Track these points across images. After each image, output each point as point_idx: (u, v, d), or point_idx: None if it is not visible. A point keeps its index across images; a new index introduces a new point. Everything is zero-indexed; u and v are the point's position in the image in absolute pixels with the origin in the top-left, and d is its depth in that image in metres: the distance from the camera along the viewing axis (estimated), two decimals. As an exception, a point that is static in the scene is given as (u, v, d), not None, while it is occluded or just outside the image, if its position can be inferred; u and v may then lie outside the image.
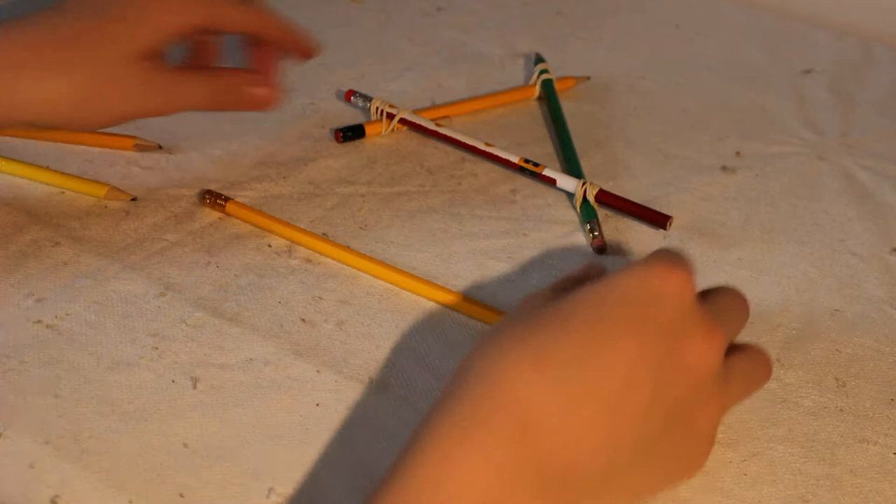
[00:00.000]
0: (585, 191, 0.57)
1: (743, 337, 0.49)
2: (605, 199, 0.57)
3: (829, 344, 0.50)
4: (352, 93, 0.63)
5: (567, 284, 0.41)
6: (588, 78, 0.69)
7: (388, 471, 0.35)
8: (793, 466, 0.43)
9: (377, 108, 0.62)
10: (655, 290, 0.37)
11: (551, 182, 0.58)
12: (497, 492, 0.34)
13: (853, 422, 0.45)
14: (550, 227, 0.56)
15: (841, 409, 0.46)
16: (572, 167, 0.60)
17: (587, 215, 0.56)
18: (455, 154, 0.61)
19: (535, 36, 0.74)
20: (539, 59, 0.68)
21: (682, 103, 0.68)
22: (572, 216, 0.57)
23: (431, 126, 0.61)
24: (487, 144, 0.60)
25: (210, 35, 0.57)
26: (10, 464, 0.42)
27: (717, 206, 0.58)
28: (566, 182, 0.58)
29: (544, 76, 0.67)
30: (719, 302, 0.41)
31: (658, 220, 0.55)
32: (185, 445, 0.43)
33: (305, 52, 0.58)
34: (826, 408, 0.46)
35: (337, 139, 0.61)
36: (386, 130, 0.62)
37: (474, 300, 0.50)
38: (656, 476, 0.39)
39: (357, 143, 0.62)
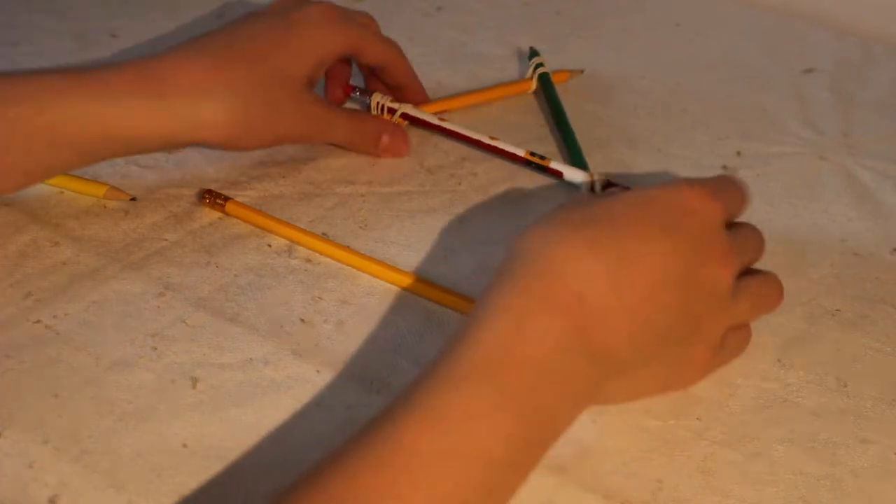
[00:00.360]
0: (594, 182, 0.56)
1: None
2: (614, 189, 0.56)
3: (830, 344, 0.49)
4: (351, 88, 0.63)
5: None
6: (582, 71, 0.69)
7: (455, 334, 0.39)
8: (793, 466, 0.43)
9: (378, 104, 0.62)
10: (690, 208, 0.42)
11: (558, 175, 0.58)
12: (560, 354, 0.38)
13: (854, 422, 0.45)
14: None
15: (842, 410, 0.46)
16: (576, 159, 0.60)
17: None
18: (455, 154, 0.61)
19: (535, 36, 0.74)
20: (533, 53, 0.68)
21: (682, 103, 0.68)
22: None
23: (434, 120, 0.61)
24: (492, 138, 0.60)
25: (346, 63, 0.63)
26: (9, 464, 0.42)
27: (718, 206, 0.58)
28: (573, 174, 0.58)
29: (541, 69, 0.67)
30: (741, 233, 0.45)
31: None
32: (185, 445, 0.42)
33: (418, 97, 0.63)
34: (827, 408, 0.46)
35: None
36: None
37: (474, 300, 0.50)
38: (659, 376, 0.43)
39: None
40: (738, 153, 0.63)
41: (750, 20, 0.79)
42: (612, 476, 0.42)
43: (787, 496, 0.42)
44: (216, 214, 0.55)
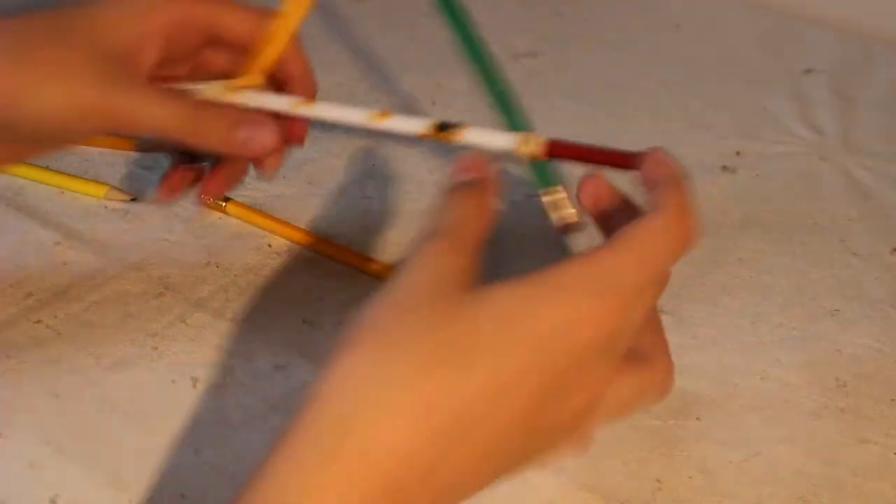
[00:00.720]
0: (530, 149, 0.40)
1: (743, 337, 0.49)
2: (558, 152, 0.40)
3: (829, 344, 0.50)
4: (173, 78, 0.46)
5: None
6: None
7: (248, 481, 0.31)
8: (793, 466, 0.43)
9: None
10: (586, 335, 0.32)
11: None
12: None
13: (854, 422, 0.45)
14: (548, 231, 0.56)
15: (841, 409, 0.46)
16: (507, 115, 0.45)
17: (544, 181, 0.42)
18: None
19: (535, 36, 0.74)
20: None
21: (682, 103, 0.68)
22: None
23: (287, 109, 0.45)
24: (383, 114, 0.43)
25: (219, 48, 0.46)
26: (10, 464, 0.42)
27: (717, 206, 0.58)
28: (498, 139, 0.41)
29: None
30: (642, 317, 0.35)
31: (626, 162, 0.38)
32: (185, 445, 0.42)
33: (307, 90, 0.47)
34: (827, 408, 0.46)
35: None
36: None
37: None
38: (520, 466, 0.34)
39: (357, 142, 0.61)
40: (738, 153, 0.63)
41: (750, 20, 0.79)
42: (612, 476, 0.42)
43: (786, 496, 0.42)
44: (216, 214, 0.55)
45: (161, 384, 0.45)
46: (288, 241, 0.54)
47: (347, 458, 0.30)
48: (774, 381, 0.47)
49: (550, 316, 0.32)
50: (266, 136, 0.43)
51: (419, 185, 0.59)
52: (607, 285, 0.32)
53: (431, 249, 0.34)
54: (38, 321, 0.48)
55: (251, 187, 0.57)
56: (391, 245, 0.54)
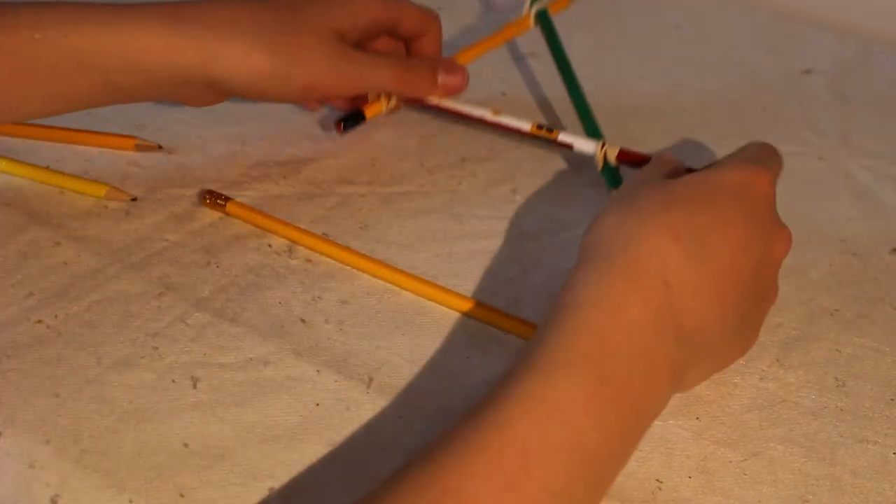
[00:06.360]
0: (606, 153, 0.55)
1: (743, 337, 0.49)
2: (627, 158, 0.55)
3: (829, 344, 0.50)
4: None
5: (665, 169, 0.48)
6: None
7: (547, 324, 0.39)
8: (793, 466, 0.43)
9: None
10: (760, 192, 0.44)
11: (568, 147, 0.57)
12: (651, 341, 0.39)
13: (853, 422, 0.45)
14: (549, 225, 0.56)
15: (841, 409, 0.46)
16: (588, 126, 0.57)
17: (613, 181, 0.53)
18: (455, 154, 0.61)
19: (536, 36, 0.74)
20: None
21: (682, 103, 0.68)
22: (573, 216, 0.57)
23: (434, 100, 0.60)
24: (495, 112, 0.58)
25: (391, 35, 0.60)
26: (10, 463, 0.42)
27: (717, 206, 0.58)
28: (584, 145, 0.56)
29: (538, 6, 0.64)
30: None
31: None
32: (186, 445, 0.43)
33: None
34: (826, 408, 0.46)
35: (338, 130, 0.59)
36: (386, 110, 0.60)
37: (474, 300, 0.50)
38: (735, 349, 0.45)
39: (358, 142, 0.62)
40: (738, 153, 0.63)
41: (750, 20, 0.79)
42: (611, 476, 0.42)
43: (786, 496, 0.42)
44: (217, 215, 0.55)
45: (161, 384, 0.45)
46: (288, 241, 0.54)
47: (622, 270, 0.40)
48: (773, 381, 0.47)
49: (732, 179, 0.44)
50: (458, 79, 0.59)
51: (419, 186, 0.59)
52: (756, 161, 0.46)
53: (648, 170, 0.49)
54: (39, 321, 0.48)
55: (252, 187, 0.57)
56: (391, 245, 0.54)
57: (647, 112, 0.67)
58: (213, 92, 0.54)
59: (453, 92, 0.59)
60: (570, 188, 0.59)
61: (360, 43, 0.57)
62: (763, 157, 0.47)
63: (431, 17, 0.60)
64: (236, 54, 0.52)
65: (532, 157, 0.61)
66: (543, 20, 0.64)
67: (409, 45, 0.61)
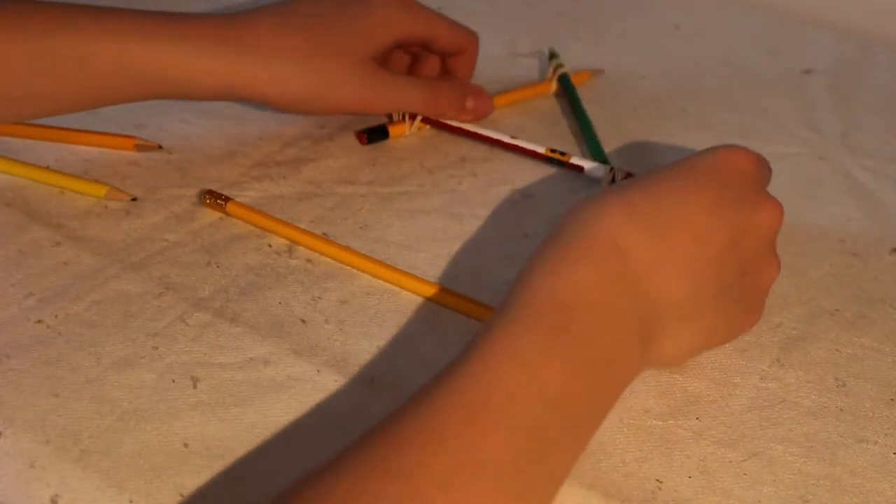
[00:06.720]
0: (614, 176, 0.58)
1: (743, 337, 0.49)
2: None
3: (829, 344, 0.50)
4: None
5: None
6: (602, 70, 0.70)
7: (510, 287, 0.41)
8: (793, 466, 0.43)
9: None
10: (733, 164, 0.45)
11: (579, 170, 0.60)
12: (604, 296, 0.40)
13: (853, 422, 0.45)
14: (549, 226, 0.56)
15: (841, 409, 0.46)
16: (597, 156, 0.61)
17: None
18: (455, 154, 0.61)
19: (536, 36, 0.74)
20: (553, 55, 0.69)
21: (682, 103, 0.68)
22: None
23: (456, 123, 0.62)
24: (513, 137, 0.61)
25: (426, 51, 0.63)
26: (10, 463, 0.42)
27: (717, 206, 0.58)
28: (594, 169, 0.59)
29: (560, 70, 0.68)
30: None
31: None
32: (186, 445, 0.43)
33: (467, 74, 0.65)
34: (826, 408, 0.46)
35: (361, 141, 0.61)
36: (409, 131, 0.62)
37: (474, 300, 0.50)
38: (720, 325, 0.45)
39: (358, 143, 0.62)
40: (738, 153, 0.63)
41: (750, 20, 0.79)
42: (611, 476, 0.42)
43: (786, 496, 0.42)
44: (217, 214, 0.55)
45: (161, 384, 0.45)
46: (288, 241, 0.54)
47: (575, 244, 0.41)
48: (773, 381, 0.47)
49: (708, 157, 0.45)
50: (485, 105, 0.63)
51: (419, 186, 0.59)
52: (739, 147, 0.46)
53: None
54: (39, 321, 0.48)
55: (252, 187, 0.57)
56: (391, 245, 0.54)
57: (647, 112, 0.67)
58: (244, 100, 0.58)
59: (480, 117, 0.62)
60: (569, 188, 0.59)
61: (395, 50, 0.62)
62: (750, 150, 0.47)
63: (468, 37, 0.63)
64: (277, 79, 0.56)
65: (532, 157, 0.61)
66: (565, 84, 0.68)
67: (444, 60, 0.64)
